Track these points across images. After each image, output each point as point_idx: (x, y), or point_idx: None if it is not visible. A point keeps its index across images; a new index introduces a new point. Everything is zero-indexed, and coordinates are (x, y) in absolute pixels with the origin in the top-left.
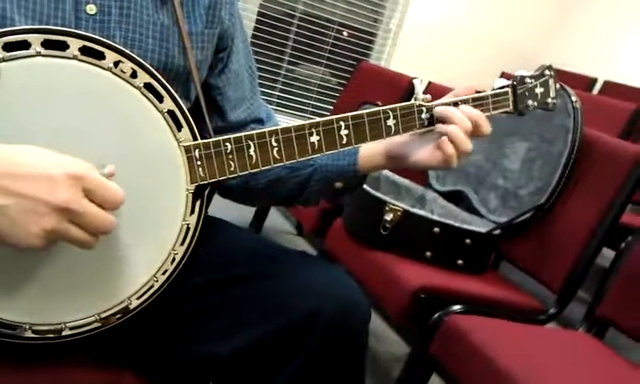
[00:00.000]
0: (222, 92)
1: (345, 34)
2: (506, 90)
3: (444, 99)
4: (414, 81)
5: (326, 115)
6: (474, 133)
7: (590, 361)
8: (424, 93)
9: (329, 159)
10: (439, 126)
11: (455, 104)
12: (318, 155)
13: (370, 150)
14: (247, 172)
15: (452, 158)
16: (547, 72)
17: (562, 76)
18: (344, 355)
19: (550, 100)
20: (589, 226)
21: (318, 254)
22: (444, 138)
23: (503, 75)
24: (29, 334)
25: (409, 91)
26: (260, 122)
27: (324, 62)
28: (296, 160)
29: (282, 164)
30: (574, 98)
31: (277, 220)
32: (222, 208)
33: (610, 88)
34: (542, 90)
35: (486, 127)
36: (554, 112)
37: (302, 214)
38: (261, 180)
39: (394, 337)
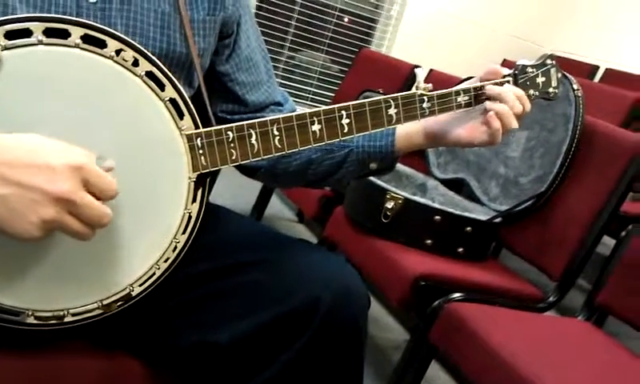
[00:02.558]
0: (233, 78)
1: (346, 20)
2: (507, 78)
3: (463, 85)
4: (416, 70)
5: (328, 102)
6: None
7: (589, 348)
8: (425, 81)
9: (364, 140)
10: (489, 104)
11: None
12: (351, 136)
13: (406, 130)
14: (248, 160)
15: (498, 132)
16: (549, 61)
17: (564, 63)
18: (343, 342)
19: (551, 89)
20: (589, 214)
21: (319, 242)
22: (491, 113)
23: (504, 63)
24: (31, 320)
25: (410, 79)
26: (278, 104)
27: (325, 48)
28: (297, 148)
29: (283, 152)
30: (575, 87)
31: (278, 207)
32: (223, 195)
33: (612, 76)
34: (543, 79)
35: (528, 105)
36: (556, 101)
37: (303, 201)
38: (292, 162)
39: (394, 324)
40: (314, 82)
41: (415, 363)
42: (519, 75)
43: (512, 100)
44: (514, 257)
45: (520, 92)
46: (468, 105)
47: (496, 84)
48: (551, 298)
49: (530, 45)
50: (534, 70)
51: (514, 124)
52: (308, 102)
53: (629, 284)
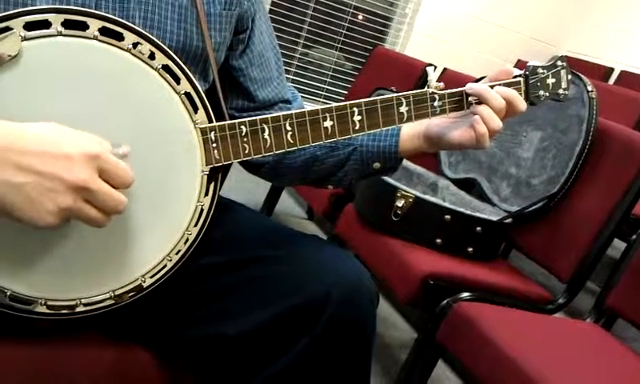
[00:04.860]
0: (245, 73)
1: (360, 17)
2: (518, 79)
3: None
4: (428, 69)
5: (340, 99)
6: (510, 111)
7: (597, 351)
8: (439, 79)
9: (369, 140)
10: (473, 107)
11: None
12: (359, 135)
13: (409, 132)
14: (260, 155)
15: (483, 136)
16: (559, 63)
17: (579, 65)
18: (351, 338)
19: (561, 91)
20: (600, 216)
21: (329, 239)
22: (476, 116)
23: (519, 63)
24: (43, 309)
25: (423, 78)
26: (287, 102)
27: (339, 45)
28: (309, 143)
29: (295, 147)
30: (589, 88)
31: (288, 204)
32: (234, 191)
33: (627, 78)
34: (553, 80)
35: (522, 105)
36: (570, 101)
37: (313, 199)
38: (297, 159)
39: (402, 322)
40: (328, 79)
41: (422, 362)
42: (530, 76)
43: (492, 96)
44: (523, 258)
45: (510, 92)
46: (479, 103)
47: (507, 84)
48: (560, 300)
49: (545, 46)
50: (545, 71)
51: (497, 125)
52: (321, 99)
53: (638, 287)
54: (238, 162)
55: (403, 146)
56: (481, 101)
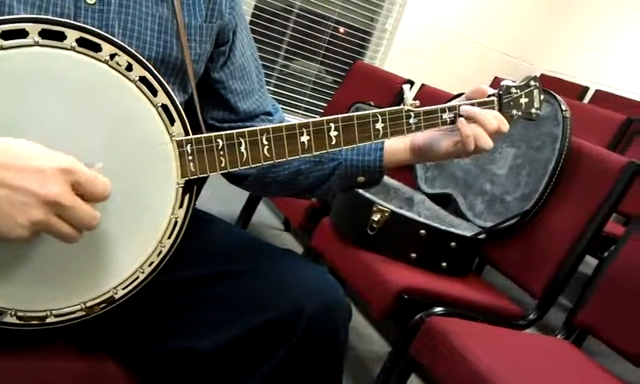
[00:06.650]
0: (226, 85)
1: (341, 31)
2: (492, 98)
3: (452, 103)
4: (403, 86)
5: (321, 112)
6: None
7: (565, 367)
8: (417, 95)
9: (354, 154)
10: (461, 122)
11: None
12: (341, 149)
13: (393, 146)
14: (237, 168)
15: (469, 138)
16: (532, 83)
17: (554, 83)
18: (323, 354)
19: (533, 110)
20: (573, 234)
21: (304, 251)
22: (462, 120)
23: (496, 80)
24: (13, 320)
25: (400, 94)
26: (268, 114)
27: (319, 59)
28: (285, 158)
29: (271, 161)
30: (563, 107)
31: (264, 215)
32: (211, 202)
33: (601, 97)
34: (526, 100)
35: (505, 126)
36: (544, 120)
37: (290, 210)
38: (281, 172)
39: (376, 336)
40: (308, 92)
41: (395, 376)
42: (503, 96)
43: (484, 118)
44: (496, 273)
45: (494, 113)
46: (453, 122)
47: (481, 103)
48: (532, 316)
49: (522, 64)
50: (518, 90)
51: (487, 143)
52: (301, 112)
53: (609, 304)
54: (222, 174)
55: (387, 159)
56: (475, 122)
